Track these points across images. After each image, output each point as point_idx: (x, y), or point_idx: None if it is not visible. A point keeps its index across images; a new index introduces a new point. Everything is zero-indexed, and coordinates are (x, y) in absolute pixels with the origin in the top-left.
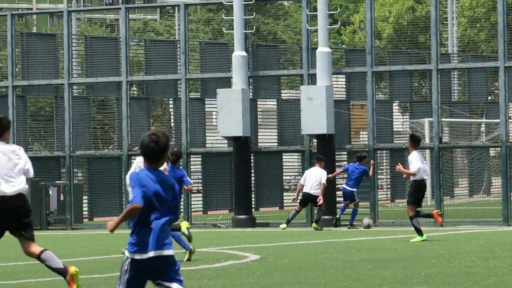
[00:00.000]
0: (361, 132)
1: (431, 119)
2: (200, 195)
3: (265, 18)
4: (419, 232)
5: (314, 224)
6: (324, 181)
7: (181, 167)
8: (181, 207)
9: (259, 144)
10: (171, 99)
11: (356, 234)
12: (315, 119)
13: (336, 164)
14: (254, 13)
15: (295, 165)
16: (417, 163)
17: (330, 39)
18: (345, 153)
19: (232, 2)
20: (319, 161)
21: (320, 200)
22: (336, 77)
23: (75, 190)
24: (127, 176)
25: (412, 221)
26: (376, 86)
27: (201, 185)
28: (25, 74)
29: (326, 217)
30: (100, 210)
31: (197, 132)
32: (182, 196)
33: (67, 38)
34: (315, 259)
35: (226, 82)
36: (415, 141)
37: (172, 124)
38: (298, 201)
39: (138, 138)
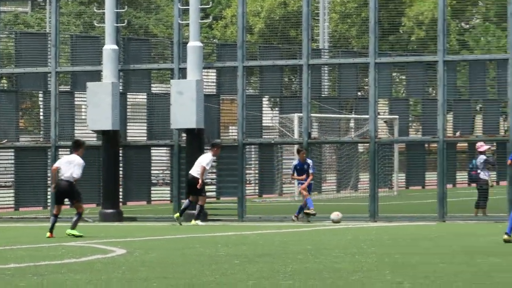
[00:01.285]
0: (230, 127)
1: (301, 114)
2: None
3: (136, 11)
4: None
5: (177, 214)
6: (204, 164)
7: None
8: (49, 199)
9: (128, 138)
10: (41, 92)
11: (224, 229)
12: (184, 113)
13: None
14: (126, 6)
15: (164, 160)
16: None
17: (202, 33)
18: None
19: None
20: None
21: (200, 185)
22: (207, 72)
23: None
24: None
25: None
26: (247, 81)
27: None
28: None
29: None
30: None
31: (66, 125)
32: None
33: None
34: (182, 254)
35: (97, 76)
36: None
37: (41, 117)
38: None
39: (6, 131)
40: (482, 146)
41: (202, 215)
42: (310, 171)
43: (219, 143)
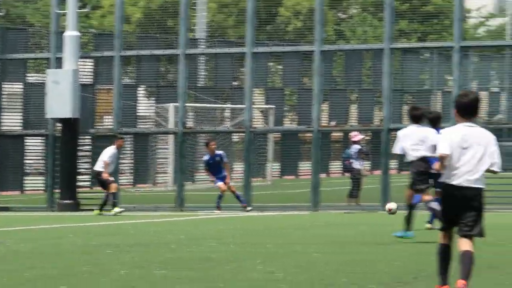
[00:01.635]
0: (105, 117)
1: (177, 104)
2: None
3: (14, 1)
4: None
5: (96, 211)
6: (105, 158)
7: None
8: None
9: (2, 128)
10: None
11: (98, 219)
12: (60, 103)
13: (78, 148)
14: None
15: (38, 149)
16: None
17: (80, 22)
18: (89, 137)
19: None
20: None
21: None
22: (84, 61)
23: None
24: None
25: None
26: (124, 70)
27: None
28: None
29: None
30: None
31: None
32: None
33: None
34: (54, 243)
35: None
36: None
37: None
38: None
39: None
40: (356, 136)
41: (117, 202)
42: (225, 160)
43: (121, 136)
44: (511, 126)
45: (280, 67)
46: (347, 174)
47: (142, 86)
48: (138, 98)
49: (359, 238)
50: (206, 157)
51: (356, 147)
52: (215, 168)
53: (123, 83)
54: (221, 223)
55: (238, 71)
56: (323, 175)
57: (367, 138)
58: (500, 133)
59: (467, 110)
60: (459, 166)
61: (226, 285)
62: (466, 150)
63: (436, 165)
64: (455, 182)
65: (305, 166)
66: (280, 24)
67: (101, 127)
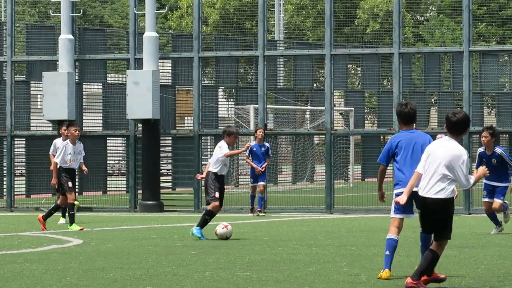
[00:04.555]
0: (186, 118)
1: (257, 105)
2: (24, 178)
3: (92, 1)
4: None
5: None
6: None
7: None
8: (4, 190)
9: (84, 128)
10: None
11: (180, 220)
12: (140, 103)
13: (161, 149)
14: None
15: (119, 150)
16: None
17: (157, 23)
18: (170, 138)
19: None
20: None
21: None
22: (163, 62)
23: None
24: None
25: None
26: (202, 72)
27: (24, 168)
28: None
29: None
30: None
31: (21, 115)
32: (5, 178)
33: None
34: (138, 244)
35: (52, 65)
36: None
37: None
38: None
39: None
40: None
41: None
42: (270, 154)
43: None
44: None
45: (359, 69)
46: None
47: (221, 87)
48: (218, 99)
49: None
50: (252, 144)
51: None
52: (258, 158)
53: (202, 84)
54: (305, 225)
55: (317, 73)
56: None
57: None
58: None
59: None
60: None
61: (311, 287)
62: None
63: None
64: None
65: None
66: (358, 26)
67: (181, 128)
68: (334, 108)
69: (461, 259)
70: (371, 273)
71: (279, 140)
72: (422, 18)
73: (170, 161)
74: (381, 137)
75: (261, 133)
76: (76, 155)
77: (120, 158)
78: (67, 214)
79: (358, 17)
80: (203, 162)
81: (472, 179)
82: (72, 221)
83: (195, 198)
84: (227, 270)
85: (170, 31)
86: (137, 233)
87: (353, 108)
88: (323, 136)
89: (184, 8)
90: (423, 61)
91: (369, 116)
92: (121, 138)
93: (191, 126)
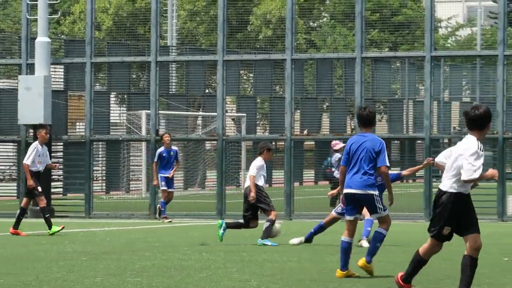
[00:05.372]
0: (77, 123)
1: (148, 111)
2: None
3: None
4: None
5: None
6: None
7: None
8: None
9: None
10: None
11: (71, 226)
12: (32, 109)
13: (52, 154)
14: None
15: (10, 155)
16: None
17: (50, 29)
18: (61, 143)
19: None
20: None
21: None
22: (55, 67)
23: None
24: None
25: None
26: (95, 77)
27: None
28: None
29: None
30: None
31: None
32: None
33: None
34: (28, 250)
35: None
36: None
37: None
38: None
39: None
40: (337, 144)
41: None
42: (179, 158)
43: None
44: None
45: (251, 75)
46: (325, 183)
47: (113, 92)
48: (110, 105)
49: (332, 247)
50: (160, 149)
51: (337, 156)
52: (167, 164)
53: (95, 89)
54: (196, 231)
55: (209, 79)
56: (296, 184)
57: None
58: None
59: None
60: None
61: None
62: None
63: None
64: None
65: (278, 175)
66: (251, 32)
67: (73, 133)
68: (226, 114)
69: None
70: (261, 279)
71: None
72: (315, 24)
73: (61, 166)
74: (273, 143)
75: (168, 138)
76: (43, 157)
77: (11, 164)
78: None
79: (250, 23)
80: (95, 168)
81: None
82: (50, 225)
83: (86, 204)
84: (118, 276)
85: (62, 36)
86: (27, 239)
87: (245, 114)
88: (215, 142)
89: (77, 14)
90: (316, 67)
91: (261, 122)
92: (12, 144)
93: (82, 131)
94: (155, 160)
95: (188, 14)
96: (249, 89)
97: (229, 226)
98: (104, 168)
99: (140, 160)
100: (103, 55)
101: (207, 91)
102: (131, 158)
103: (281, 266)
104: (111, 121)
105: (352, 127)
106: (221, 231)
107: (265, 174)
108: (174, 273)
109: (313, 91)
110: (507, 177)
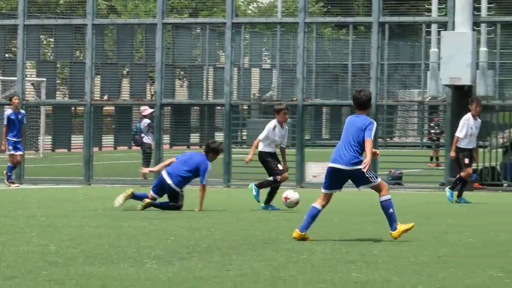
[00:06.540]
0: None
1: None
2: None
3: None
4: None
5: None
6: None
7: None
8: None
9: None
10: None
11: None
12: None
13: None
14: None
15: None
16: None
17: None
18: None
19: None
20: None
21: None
22: None
23: None
24: None
25: None
26: None
27: None
28: None
29: None
30: None
31: None
32: None
33: None
34: None
35: None
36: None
37: None
38: None
39: None
40: (145, 110)
41: None
42: (24, 121)
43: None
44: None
45: (52, 40)
46: (134, 148)
47: None
48: None
49: (134, 213)
50: (8, 112)
51: (146, 121)
52: (17, 129)
53: None
54: None
55: (9, 43)
56: (95, 149)
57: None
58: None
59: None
60: None
61: None
62: None
63: None
64: None
65: (77, 140)
66: None
67: None
68: (26, 78)
69: (150, 230)
70: (60, 244)
71: None
72: None
73: None
74: (73, 108)
75: (17, 100)
76: None
77: None
78: None
79: None
80: None
81: None
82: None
83: None
84: None
85: None
86: None
87: (45, 79)
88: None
89: None
90: (116, 33)
91: (61, 87)
92: None
93: None
94: (4, 123)
95: None
96: (49, 54)
97: (259, 186)
98: None
99: None
100: None
101: (7, 55)
102: None
103: (80, 231)
104: None
105: (152, 92)
106: (254, 193)
107: (278, 138)
108: None
109: (113, 57)
110: (305, 144)
